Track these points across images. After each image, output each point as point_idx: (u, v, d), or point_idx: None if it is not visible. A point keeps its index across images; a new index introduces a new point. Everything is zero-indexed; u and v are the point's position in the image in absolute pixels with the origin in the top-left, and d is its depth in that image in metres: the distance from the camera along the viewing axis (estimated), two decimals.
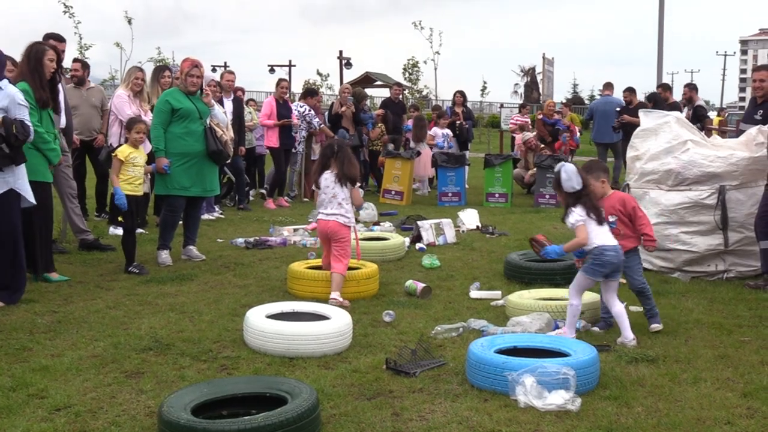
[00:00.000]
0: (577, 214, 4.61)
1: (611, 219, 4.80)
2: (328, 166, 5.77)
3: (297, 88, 30.41)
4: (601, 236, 4.64)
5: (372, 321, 5.17)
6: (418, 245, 8.04)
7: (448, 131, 13.76)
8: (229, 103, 10.58)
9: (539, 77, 48.19)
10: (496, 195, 12.14)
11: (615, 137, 13.57)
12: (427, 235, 8.26)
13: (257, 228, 9.30)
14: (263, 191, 12.62)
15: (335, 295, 5.54)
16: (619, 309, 4.70)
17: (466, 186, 13.20)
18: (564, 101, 21.52)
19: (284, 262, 7.09)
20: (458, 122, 14.00)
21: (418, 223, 8.48)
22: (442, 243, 8.35)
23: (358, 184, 6.02)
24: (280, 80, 11.96)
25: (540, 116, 14.80)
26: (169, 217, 7.03)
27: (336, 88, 33.18)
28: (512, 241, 8.52)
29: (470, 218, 9.61)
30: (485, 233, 9.03)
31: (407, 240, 8.03)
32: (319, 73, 34.00)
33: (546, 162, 12.02)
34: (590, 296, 5.22)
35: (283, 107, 11.53)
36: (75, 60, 9.43)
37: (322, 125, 12.07)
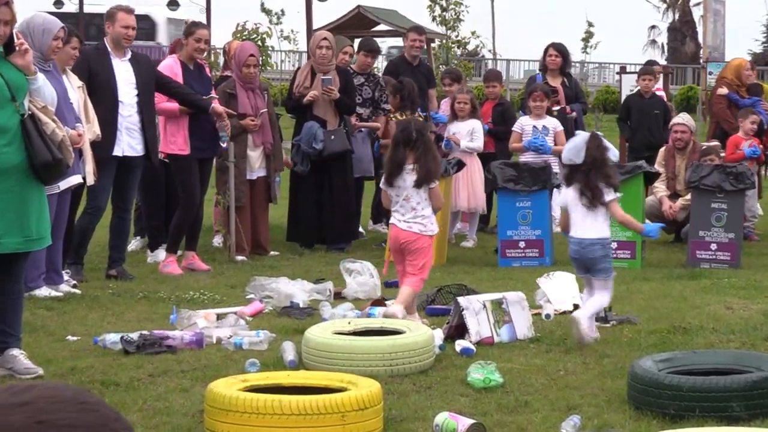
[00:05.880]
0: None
1: None
2: (404, 158, 8.53)
3: (221, 39, 30.61)
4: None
5: None
6: (459, 344, 8.06)
7: (552, 123, 13.74)
8: (126, 65, 10.72)
9: (697, 14, 48.68)
10: (613, 245, 12.16)
11: None
12: (478, 323, 8.27)
13: (146, 313, 9.38)
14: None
15: (396, 309, 8.14)
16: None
17: (555, 228, 13.20)
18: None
19: (199, 379, 7.15)
20: (557, 108, 13.98)
21: (460, 300, 8.50)
22: (506, 339, 8.37)
23: (436, 182, 8.72)
24: (192, 26, 12.10)
25: (723, 89, 14.80)
26: None
27: (301, 43, 33.55)
28: (645, 335, 8.57)
29: (562, 290, 9.64)
30: None
31: (439, 334, 8.07)
32: (264, 11, 34.23)
33: (710, 179, 12.04)
34: None
35: (195, 76, 11.63)
36: None
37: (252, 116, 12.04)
